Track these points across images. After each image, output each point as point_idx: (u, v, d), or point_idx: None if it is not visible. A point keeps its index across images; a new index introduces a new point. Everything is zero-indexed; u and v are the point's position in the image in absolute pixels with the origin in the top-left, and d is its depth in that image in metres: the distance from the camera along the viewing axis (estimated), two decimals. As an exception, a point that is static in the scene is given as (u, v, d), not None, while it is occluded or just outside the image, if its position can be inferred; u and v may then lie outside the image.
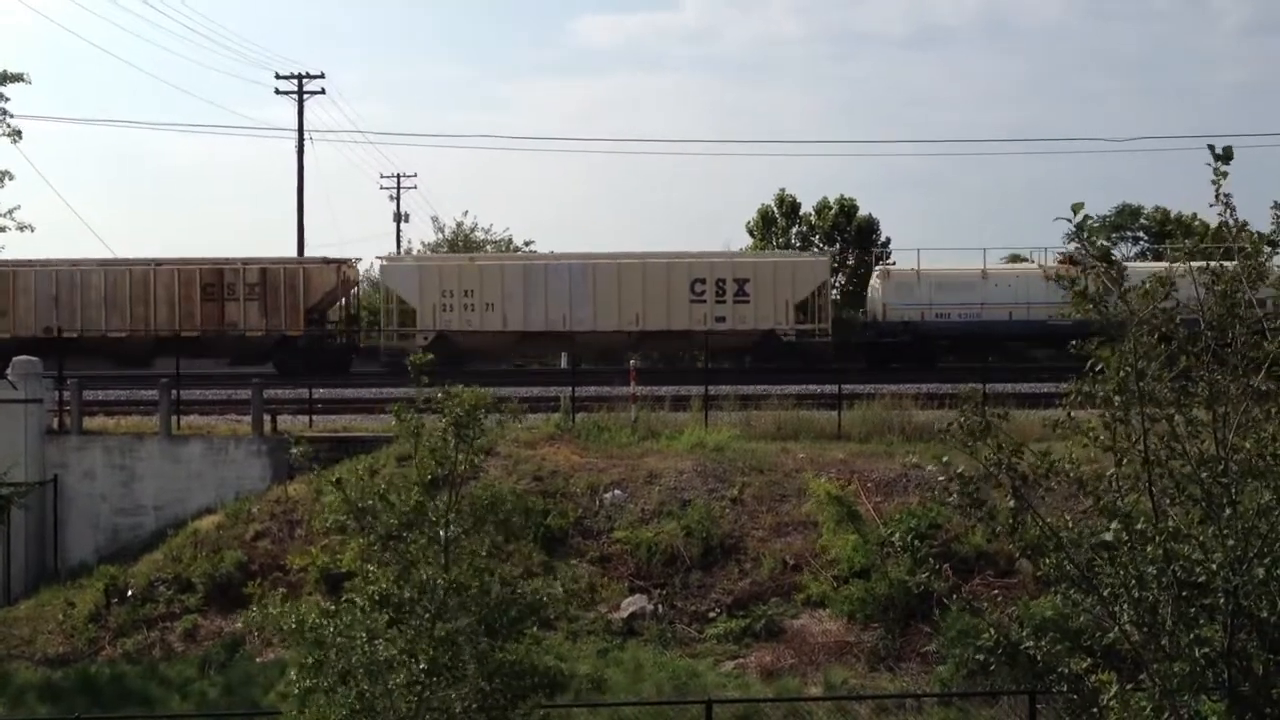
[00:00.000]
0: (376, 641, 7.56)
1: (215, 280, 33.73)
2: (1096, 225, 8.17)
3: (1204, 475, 6.16)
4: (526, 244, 53.10)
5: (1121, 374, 6.23)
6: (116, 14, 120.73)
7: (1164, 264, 12.11)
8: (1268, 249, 6.68)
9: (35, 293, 33.54)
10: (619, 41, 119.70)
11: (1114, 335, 6.35)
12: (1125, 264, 7.02)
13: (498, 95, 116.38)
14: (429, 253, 49.54)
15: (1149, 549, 6.10)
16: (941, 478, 6.60)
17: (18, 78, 29.20)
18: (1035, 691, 10.35)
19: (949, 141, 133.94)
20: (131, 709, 14.98)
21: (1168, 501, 6.32)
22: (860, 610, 15.50)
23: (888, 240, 43.97)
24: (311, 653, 7.67)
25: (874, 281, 35.84)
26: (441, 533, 7.96)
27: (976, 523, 7.53)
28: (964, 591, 7.39)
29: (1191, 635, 6.11)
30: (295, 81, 46.51)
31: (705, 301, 32.93)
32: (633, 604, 16.28)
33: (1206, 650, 6.08)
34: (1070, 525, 6.50)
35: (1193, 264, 6.59)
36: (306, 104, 46.66)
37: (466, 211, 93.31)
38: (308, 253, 42.17)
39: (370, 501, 8.06)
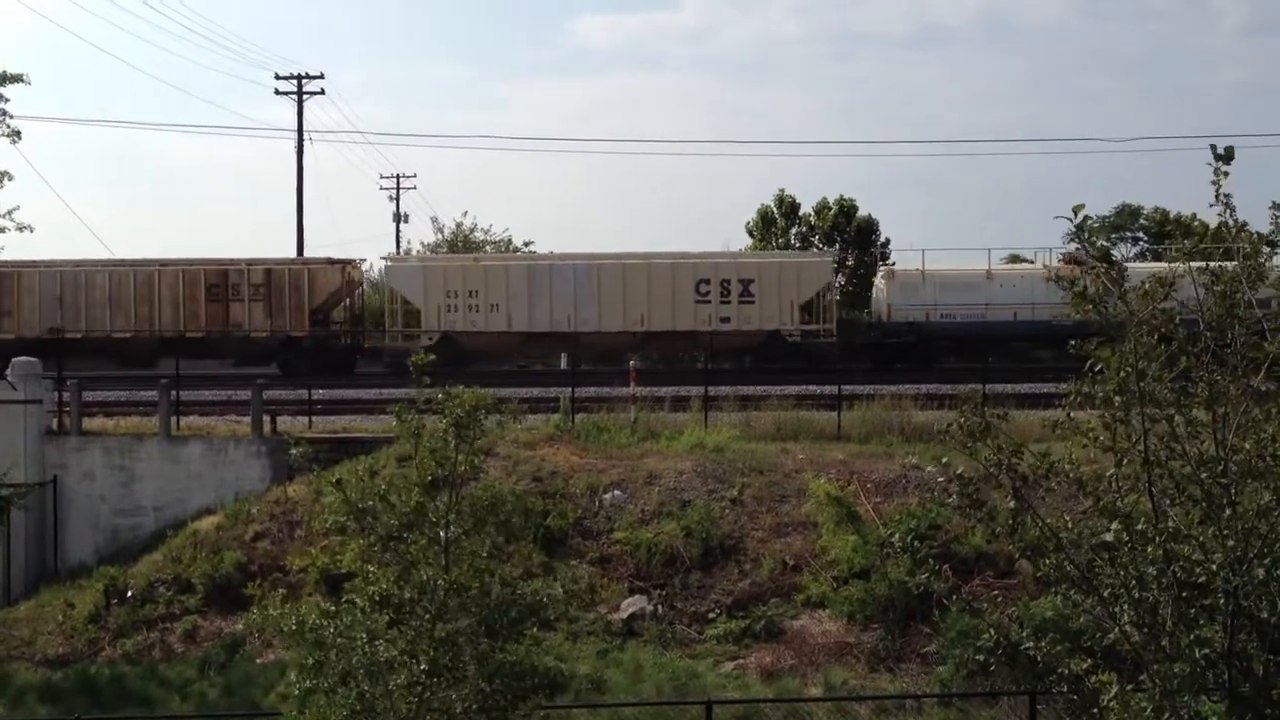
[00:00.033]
0: (377, 642, 7.55)
1: (220, 281, 33.66)
2: (1096, 226, 8.18)
3: (1204, 476, 6.16)
4: (526, 244, 53.06)
5: (1121, 374, 6.23)
6: (115, 14, 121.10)
7: (1164, 264, 12.10)
8: (1267, 249, 6.68)
9: (39, 293, 33.49)
10: (618, 41, 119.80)
11: (1114, 336, 6.35)
12: (1125, 264, 7.02)
13: (497, 95, 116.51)
14: (429, 253, 49.50)
15: (1149, 550, 6.11)
16: (941, 478, 6.60)
17: (17, 78, 29.28)
18: (1035, 692, 10.34)
19: (949, 141, 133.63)
20: (131, 710, 14.97)
21: (1168, 502, 6.32)
22: (860, 611, 15.51)
23: (887, 241, 44.06)
24: (312, 654, 7.66)
25: (878, 282, 35.76)
26: (442, 533, 7.95)
27: (976, 523, 7.54)
28: (964, 592, 7.38)
29: (1192, 636, 6.11)
30: (294, 82, 46.49)
31: (710, 302, 32.81)
32: (632, 605, 16.28)
33: (1207, 651, 6.09)
34: (1070, 526, 6.50)
35: (1192, 264, 6.59)
36: (306, 104, 46.68)
37: (466, 212, 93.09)
38: (307, 253, 42.07)
39: (370, 502, 8.05)
